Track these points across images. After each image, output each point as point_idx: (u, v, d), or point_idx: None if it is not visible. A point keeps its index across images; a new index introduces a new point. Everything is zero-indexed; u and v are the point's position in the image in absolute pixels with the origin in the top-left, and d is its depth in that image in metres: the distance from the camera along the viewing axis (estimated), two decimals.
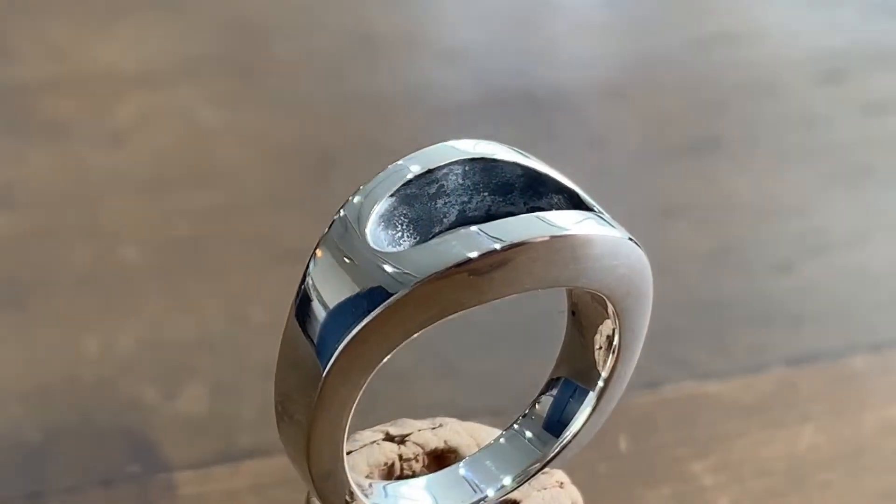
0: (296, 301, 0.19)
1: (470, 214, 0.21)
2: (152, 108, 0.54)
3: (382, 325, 0.18)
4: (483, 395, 0.39)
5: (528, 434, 0.23)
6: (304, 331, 0.19)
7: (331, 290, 0.19)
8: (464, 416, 0.28)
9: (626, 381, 0.23)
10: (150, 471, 0.35)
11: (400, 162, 0.20)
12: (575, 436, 0.23)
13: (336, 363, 0.18)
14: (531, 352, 0.37)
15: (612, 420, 0.37)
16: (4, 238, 0.47)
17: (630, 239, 0.20)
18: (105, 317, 0.42)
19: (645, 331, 0.23)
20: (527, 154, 0.21)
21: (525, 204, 0.21)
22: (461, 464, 0.22)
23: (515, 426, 0.23)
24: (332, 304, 0.18)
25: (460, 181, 0.20)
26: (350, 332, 0.18)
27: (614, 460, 0.36)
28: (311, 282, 0.19)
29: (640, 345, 0.23)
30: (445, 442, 0.24)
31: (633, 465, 0.36)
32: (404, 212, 0.20)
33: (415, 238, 0.20)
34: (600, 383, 0.23)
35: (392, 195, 0.20)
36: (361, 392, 0.19)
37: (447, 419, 0.24)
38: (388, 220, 0.20)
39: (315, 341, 0.18)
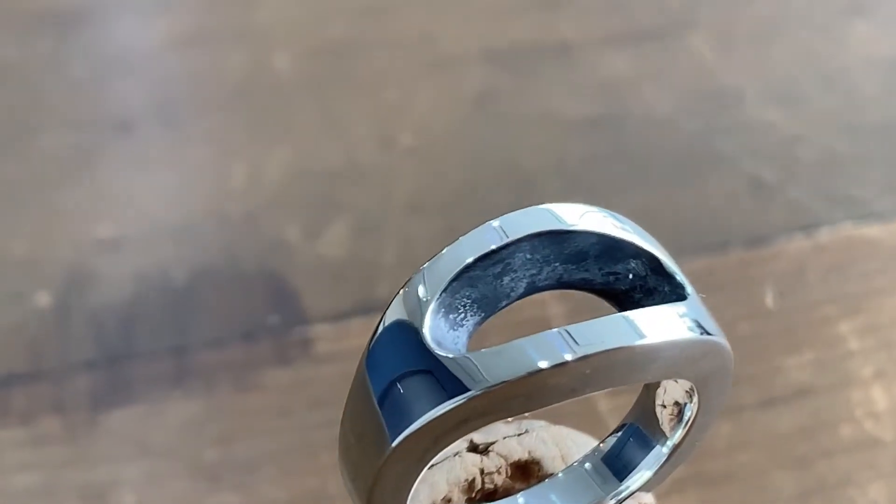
0: (368, 349, 0.19)
1: (540, 285, 0.20)
2: None
3: (449, 418, 0.18)
4: None
5: (594, 472, 0.22)
6: (374, 391, 0.19)
7: (403, 365, 0.18)
8: None
9: (695, 449, 0.22)
10: (288, 322, 0.36)
11: (485, 225, 0.19)
12: (633, 493, 0.22)
13: (400, 446, 0.18)
14: None
15: (760, 271, 0.36)
16: (161, 44, 0.46)
17: (708, 334, 0.19)
18: (254, 139, 0.42)
19: (720, 408, 0.21)
20: (617, 216, 0.20)
21: (600, 270, 0.20)
22: (521, 495, 0.22)
23: (578, 463, 0.23)
24: (402, 384, 0.18)
25: (528, 256, 0.19)
26: (415, 422, 0.18)
27: (758, 318, 0.35)
28: (382, 333, 0.19)
29: (713, 420, 0.22)
30: (529, 453, 0.23)
31: (777, 323, 0.35)
32: (467, 293, 0.19)
33: (479, 316, 0.19)
34: (665, 449, 0.22)
35: (455, 279, 0.19)
36: (426, 468, 0.19)
37: (535, 422, 0.23)
38: (448, 305, 0.19)
39: (383, 412, 0.18)
